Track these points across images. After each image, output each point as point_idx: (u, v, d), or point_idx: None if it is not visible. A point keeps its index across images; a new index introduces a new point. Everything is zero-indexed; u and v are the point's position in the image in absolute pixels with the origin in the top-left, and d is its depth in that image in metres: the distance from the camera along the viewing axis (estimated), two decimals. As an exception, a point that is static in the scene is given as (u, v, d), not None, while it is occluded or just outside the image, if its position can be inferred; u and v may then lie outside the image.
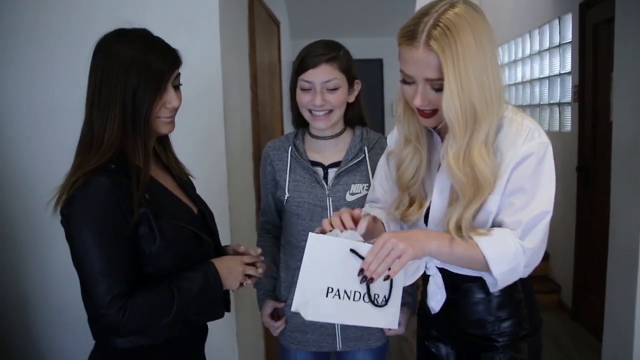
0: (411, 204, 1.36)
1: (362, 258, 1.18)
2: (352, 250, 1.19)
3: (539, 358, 1.42)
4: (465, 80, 1.13)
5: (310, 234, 1.22)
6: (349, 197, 1.66)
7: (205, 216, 1.44)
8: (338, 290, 1.20)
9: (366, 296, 1.21)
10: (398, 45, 1.20)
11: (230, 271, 1.35)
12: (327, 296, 1.20)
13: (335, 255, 1.20)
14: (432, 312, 1.42)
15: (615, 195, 2.61)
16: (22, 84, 2.09)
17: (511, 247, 1.18)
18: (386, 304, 1.23)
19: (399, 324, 1.66)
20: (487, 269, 1.20)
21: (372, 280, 1.16)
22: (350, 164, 1.68)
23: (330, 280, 1.20)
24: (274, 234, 1.84)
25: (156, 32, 1.31)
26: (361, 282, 1.17)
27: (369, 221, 1.27)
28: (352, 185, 1.67)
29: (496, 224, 1.25)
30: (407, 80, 1.21)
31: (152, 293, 1.21)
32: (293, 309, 1.20)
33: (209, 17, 2.06)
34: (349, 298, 1.21)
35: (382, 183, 1.49)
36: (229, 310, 1.45)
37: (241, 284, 1.38)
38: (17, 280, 2.19)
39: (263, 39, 3.04)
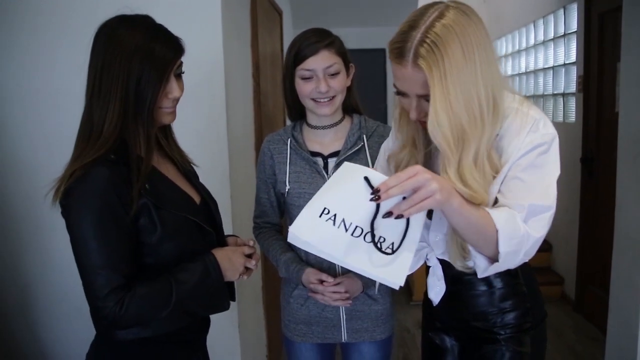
0: None
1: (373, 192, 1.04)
2: (365, 179, 1.05)
3: (543, 351, 1.40)
4: (453, 99, 1.10)
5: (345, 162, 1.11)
6: None
7: (209, 205, 1.42)
8: (335, 216, 1.05)
9: (369, 235, 1.05)
10: (389, 59, 1.19)
11: (231, 262, 1.33)
12: (320, 216, 1.05)
13: (345, 180, 1.07)
14: (433, 304, 1.41)
15: (621, 186, 2.59)
16: (24, 71, 2.07)
17: (520, 229, 1.13)
18: (392, 253, 1.06)
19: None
20: (494, 245, 1.13)
21: (389, 214, 1.03)
22: (350, 152, 1.68)
23: (328, 202, 1.06)
24: (276, 230, 1.82)
25: (157, 20, 1.29)
26: (370, 199, 1.02)
27: None
28: None
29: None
30: (400, 93, 1.21)
31: (150, 285, 1.19)
32: (288, 239, 1.07)
33: (211, 4, 2.04)
34: (345, 230, 1.05)
35: (380, 165, 1.47)
36: (234, 300, 1.43)
37: (240, 275, 1.37)
38: (16, 270, 2.18)
39: (265, 28, 3.01)
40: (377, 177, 1.06)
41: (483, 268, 1.20)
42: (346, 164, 1.11)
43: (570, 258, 4.09)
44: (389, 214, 1.04)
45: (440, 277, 1.37)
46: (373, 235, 1.06)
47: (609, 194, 2.98)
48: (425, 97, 1.15)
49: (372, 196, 1.03)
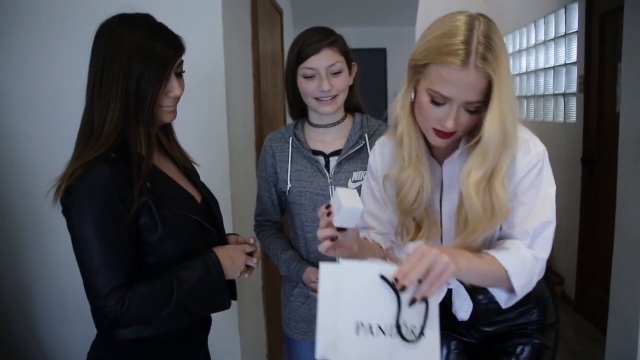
0: (419, 228, 1.29)
1: (393, 287, 1.01)
2: (382, 277, 1.01)
3: (557, 348, 1.47)
4: (506, 105, 1.09)
5: (322, 264, 1.05)
6: (351, 185, 1.65)
7: (209, 204, 1.42)
8: (370, 326, 1.01)
9: (399, 331, 1.03)
10: (434, 63, 1.10)
11: (232, 260, 1.33)
12: (357, 334, 1.01)
13: (360, 284, 1.02)
14: (461, 320, 1.39)
15: (622, 186, 2.59)
16: (24, 71, 2.07)
17: (527, 258, 1.17)
18: (422, 334, 1.04)
19: None
20: (507, 283, 1.16)
21: (414, 302, 1.01)
22: (351, 151, 1.67)
23: (359, 314, 1.01)
24: (277, 228, 1.82)
25: (158, 19, 1.29)
26: (397, 291, 1.00)
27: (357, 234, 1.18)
28: (354, 172, 1.67)
29: (500, 236, 1.23)
30: (438, 101, 1.13)
31: (151, 283, 1.19)
32: (318, 356, 1.00)
33: (212, 4, 2.03)
34: (384, 334, 1.02)
35: (369, 208, 1.39)
36: (235, 299, 1.43)
37: (241, 274, 1.37)
38: (16, 270, 2.18)
39: (266, 27, 3.01)
40: (388, 269, 1.03)
41: (505, 300, 1.24)
42: (323, 265, 1.04)
43: (570, 258, 4.09)
44: (413, 301, 1.02)
45: (465, 296, 1.36)
46: (410, 326, 1.03)
47: (609, 194, 2.98)
48: (468, 105, 1.11)
49: (398, 289, 1.01)
